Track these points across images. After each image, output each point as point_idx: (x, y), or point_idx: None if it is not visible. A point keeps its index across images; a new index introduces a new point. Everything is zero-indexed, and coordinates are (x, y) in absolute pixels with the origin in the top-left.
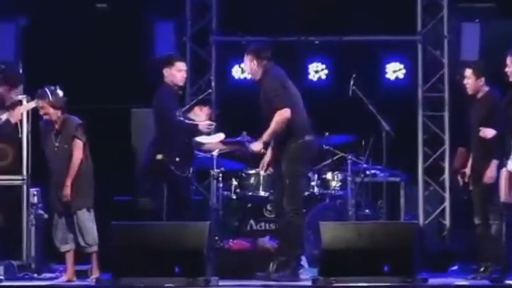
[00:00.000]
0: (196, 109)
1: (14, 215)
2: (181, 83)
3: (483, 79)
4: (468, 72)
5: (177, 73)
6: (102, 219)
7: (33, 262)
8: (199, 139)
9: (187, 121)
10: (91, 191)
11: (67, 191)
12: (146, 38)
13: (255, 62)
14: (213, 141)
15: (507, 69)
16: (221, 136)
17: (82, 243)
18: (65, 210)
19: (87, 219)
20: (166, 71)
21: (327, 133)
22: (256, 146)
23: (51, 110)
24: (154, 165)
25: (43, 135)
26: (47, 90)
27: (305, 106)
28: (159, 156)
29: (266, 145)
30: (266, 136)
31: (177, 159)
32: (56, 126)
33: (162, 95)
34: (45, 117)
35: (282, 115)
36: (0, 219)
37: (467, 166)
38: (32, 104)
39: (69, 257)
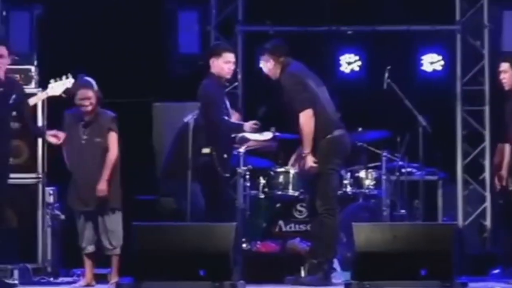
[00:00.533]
0: None
1: (29, 215)
2: (228, 76)
3: None
4: (505, 66)
5: (224, 65)
6: (122, 220)
7: (49, 265)
8: (248, 136)
9: (232, 120)
10: (120, 190)
11: (103, 185)
12: (168, 28)
13: (271, 61)
14: (262, 138)
15: (502, 76)
16: (270, 134)
17: (107, 245)
18: (95, 208)
19: (115, 220)
20: (213, 62)
21: (360, 129)
22: (309, 163)
23: (95, 101)
24: (190, 161)
25: (67, 128)
26: (89, 79)
27: (337, 99)
28: (206, 150)
29: (312, 153)
30: (305, 147)
31: (225, 155)
32: (86, 118)
33: (208, 88)
34: (86, 108)
35: (306, 116)
36: (14, 220)
37: (503, 167)
38: (44, 95)
39: (90, 260)
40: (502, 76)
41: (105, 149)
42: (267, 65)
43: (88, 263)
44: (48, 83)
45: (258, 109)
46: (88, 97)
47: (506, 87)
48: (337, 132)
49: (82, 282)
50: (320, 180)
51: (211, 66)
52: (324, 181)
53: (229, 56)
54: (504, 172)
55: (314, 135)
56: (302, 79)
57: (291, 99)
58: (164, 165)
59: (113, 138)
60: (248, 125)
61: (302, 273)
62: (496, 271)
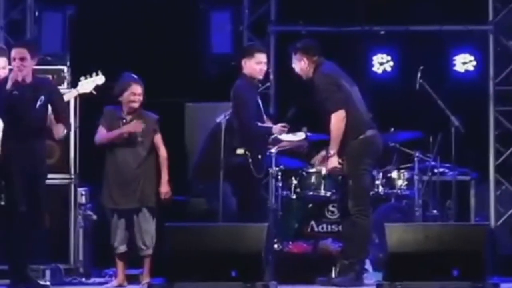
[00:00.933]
0: None
1: (61, 216)
2: (260, 76)
3: None
4: None
5: (256, 65)
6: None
7: (81, 266)
8: (281, 136)
9: (261, 124)
10: (155, 190)
11: (166, 188)
12: (201, 28)
13: (305, 60)
14: (295, 139)
15: None
16: (302, 135)
17: (141, 245)
18: (136, 207)
19: (150, 219)
20: (245, 62)
21: (392, 129)
22: (332, 164)
23: (142, 99)
24: (222, 161)
25: (106, 124)
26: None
27: (369, 100)
28: (240, 151)
29: (340, 153)
30: (332, 148)
31: (259, 156)
32: (129, 117)
33: (240, 88)
34: (135, 104)
35: (338, 117)
36: (46, 221)
37: None
38: (74, 93)
39: (122, 260)
40: None
41: (146, 149)
42: (300, 65)
43: (120, 263)
44: (79, 80)
45: (288, 110)
46: (139, 93)
47: None
48: (369, 133)
49: (114, 282)
50: (352, 180)
51: (243, 66)
52: (356, 182)
53: (261, 57)
54: None
55: (346, 136)
56: (336, 79)
57: (325, 99)
58: (196, 165)
59: (160, 139)
60: (277, 128)
61: (334, 274)
62: None
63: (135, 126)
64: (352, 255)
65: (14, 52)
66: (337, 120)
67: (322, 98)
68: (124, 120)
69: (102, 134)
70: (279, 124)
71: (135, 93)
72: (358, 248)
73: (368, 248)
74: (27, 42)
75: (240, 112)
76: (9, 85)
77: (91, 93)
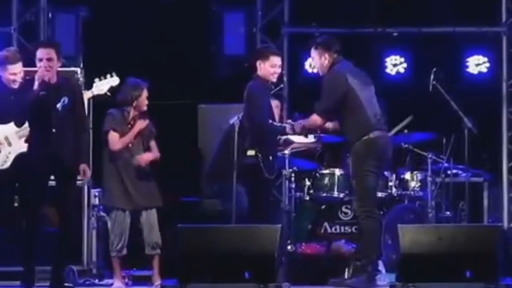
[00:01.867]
0: None
1: (75, 217)
2: (273, 79)
3: None
4: None
5: (270, 68)
6: (167, 221)
7: (94, 267)
8: (292, 138)
9: (275, 123)
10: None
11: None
12: (214, 30)
13: (326, 56)
14: (306, 141)
15: None
16: (313, 138)
17: (153, 245)
18: (143, 207)
19: (156, 219)
20: (260, 64)
21: (405, 131)
22: (296, 126)
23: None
24: (235, 163)
25: (114, 126)
26: None
27: (382, 101)
28: (251, 152)
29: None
30: (304, 123)
31: (270, 157)
32: (132, 122)
33: (253, 89)
34: (145, 108)
35: (316, 120)
36: (54, 220)
37: None
38: (89, 94)
39: (122, 262)
40: None
41: (149, 149)
42: (320, 60)
43: (119, 265)
44: (93, 82)
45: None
46: (147, 97)
47: None
48: (374, 134)
49: (120, 284)
50: (356, 181)
51: (257, 68)
52: (361, 183)
53: (276, 60)
54: None
55: (350, 136)
56: (344, 81)
57: (320, 97)
58: (209, 167)
59: (155, 143)
60: (289, 126)
61: (346, 275)
62: None
63: (141, 123)
64: (363, 256)
65: (41, 53)
66: (315, 122)
67: (319, 95)
68: (131, 123)
69: (117, 139)
70: (290, 121)
71: (147, 97)
72: (368, 249)
73: (378, 249)
74: (54, 42)
75: (253, 112)
76: (36, 85)
77: (105, 94)
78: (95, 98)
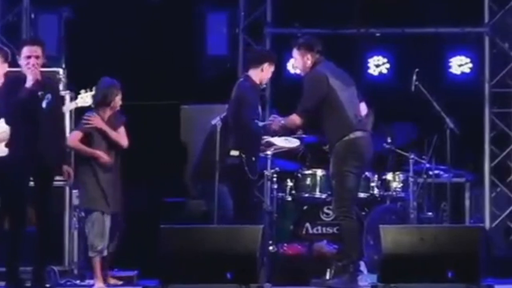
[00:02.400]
0: None
1: (56, 218)
2: (263, 85)
3: None
4: None
5: (269, 74)
6: (151, 222)
7: (75, 268)
8: (274, 141)
9: (261, 123)
10: None
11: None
12: (197, 31)
13: (308, 56)
14: (288, 145)
15: None
16: (297, 141)
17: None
18: (118, 209)
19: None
20: (265, 67)
21: (388, 131)
22: (278, 123)
23: None
24: (217, 163)
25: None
26: None
27: (365, 101)
28: (235, 152)
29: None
30: (285, 121)
31: (253, 158)
32: (108, 123)
33: (243, 88)
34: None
35: (295, 120)
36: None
37: None
38: (73, 105)
39: (101, 262)
40: None
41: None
42: (302, 60)
43: (100, 266)
44: (78, 93)
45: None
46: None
47: None
48: (354, 134)
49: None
50: (336, 181)
51: (260, 69)
52: (340, 183)
53: (273, 67)
54: None
55: (331, 137)
56: (325, 82)
57: (301, 97)
58: (194, 167)
59: (123, 130)
60: (272, 120)
61: (328, 276)
62: None
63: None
64: (345, 256)
65: (29, 50)
66: (293, 121)
67: (300, 95)
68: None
69: (77, 139)
70: (272, 116)
71: (116, 100)
72: (349, 249)
73: (359, 249)
74: (40, 40)
75: (241, 111)
76: (30, 84)
77: (89, 106)
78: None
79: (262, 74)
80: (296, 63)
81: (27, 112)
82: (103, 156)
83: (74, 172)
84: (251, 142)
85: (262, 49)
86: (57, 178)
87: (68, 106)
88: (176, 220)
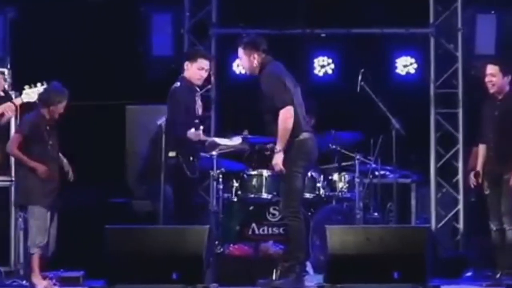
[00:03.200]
0: None
1: (1, 218)
2: (198, 82)
3: (510, 77)
4: (494, 69)
5: (197, 71)
6: (96, 222)
7: (21, 268)
8: (218, 140)
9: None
10: None
11: None
12: (142, 31)
13: (255, 56)
14: (232, 143)
15: (490, 79)
16: (239, 139)
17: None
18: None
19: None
20: (187, 66)
21: (333, 131)
22: (276, 160)
23: None
24: (162, 164)
25: (31, 130)
26: None
27: (310, 102)
28: (172, 153)
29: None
30: (279, 144)
31: (191, 158)
32: (50, 123)
33: (177, 90)
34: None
35: (286, 114)
36: None
37: (478, 165)
38: (18, 101)
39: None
40: (489, 78)
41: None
42: (248, 60)
43: (39, 264)
44: (23, 89)
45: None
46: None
47: (492, 90)
48: (303, 135)
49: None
50: (285, 182)
51: (185, 69)
52: (288, 183)
53: (204, 63)
54: (480, 170)
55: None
56: (283, 80)
57: (271, 98)
58: (139, 167)
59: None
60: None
61: (275, 276)
62: (469, 273)
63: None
64: (291, 257)
65: None
66: (286, 117)
67: (268, 97)
68: (48, 127)
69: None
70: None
71: (62, 107)
72: (295, 249)
73: (306, 249)
74: None
75: (173, 114)
76: None
77: (35, 102)
78: (23, 105)
79: (188, 73)
80: (242, 63)
81: None
82: (40, 167)
83: (14, 167)
84: (186, 143)
85: (190, 48)
86: (3, 178)
87: (14, 102)
88: (121, 221)
